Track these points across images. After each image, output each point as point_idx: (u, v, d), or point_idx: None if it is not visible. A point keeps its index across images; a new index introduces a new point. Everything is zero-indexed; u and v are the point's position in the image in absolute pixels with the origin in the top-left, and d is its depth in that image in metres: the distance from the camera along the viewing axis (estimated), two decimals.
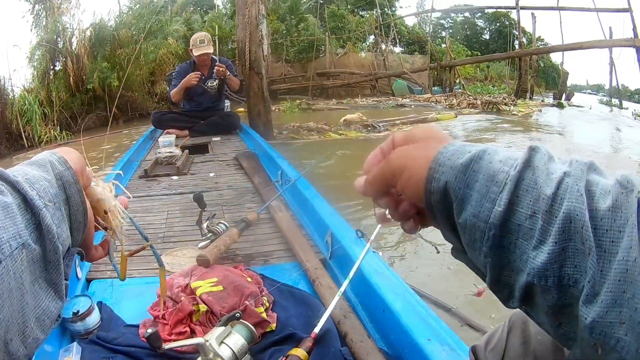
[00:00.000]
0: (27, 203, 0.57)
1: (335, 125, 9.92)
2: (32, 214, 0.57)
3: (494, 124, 11.96)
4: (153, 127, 7.08)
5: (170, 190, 4.04)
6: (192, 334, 1.83)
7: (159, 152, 4.97)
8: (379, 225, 2.35)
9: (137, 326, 1.90)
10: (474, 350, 1.07)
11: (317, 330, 1.65)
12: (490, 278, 0.52)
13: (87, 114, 14.26)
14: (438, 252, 1.20)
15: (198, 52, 6.38)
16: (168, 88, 7.20)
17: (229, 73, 6.54)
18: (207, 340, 1.52)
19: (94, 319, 1.86)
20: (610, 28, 28.01)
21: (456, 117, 12.89)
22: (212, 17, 24.59)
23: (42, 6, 14.52)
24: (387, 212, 0.68)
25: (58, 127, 12.28)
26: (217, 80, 6.65)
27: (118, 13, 17.05)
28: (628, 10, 19.34)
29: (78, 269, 2.27)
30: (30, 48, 14.13)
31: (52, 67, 14.30)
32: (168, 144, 5.32)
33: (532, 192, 0.48)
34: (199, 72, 6.44)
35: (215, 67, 6.46)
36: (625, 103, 34.32)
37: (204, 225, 2.66)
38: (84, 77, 14.08)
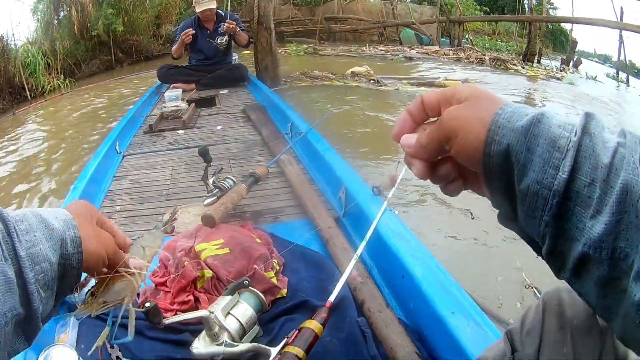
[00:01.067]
0: (23, 283, 0.62)
1: (341, 76, 9.70)
2: (25, 294, 0.62)
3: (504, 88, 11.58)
4: (159, 82, 6.93)
5: (175, 144, 3.92)
6: (196, 302, 1.71)
7: (165, 107, 4.83)
8: (397, 183, 2.21)
9: (137, 295, 1.78)
10: (509, 334, 1.00)
11: (332, 298, 1.48)
12: (548, 247, 0.50)
13: (91, 59, 14.25)
14: (473, 218, 1.07)
15: (200, 9, 6.22)
16: (173, 38, 7.01)
17: (238, 29, 6.38)
18: (212, 312, 1.39)
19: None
20: (621, 8, 27.55)
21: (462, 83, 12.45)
22: None
23: None
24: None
25: (62, 76, 12.21)
26: (226, 36, 6.49)
27: None
28: None
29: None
30: (34, 1, 13.97)
31: (56, 17, 14.16)
32: (174, 98, 5.19)
33: (590, 159, 0.46)
34: (191, 30, 6.25)
35: (225, 24, 6.31)
36: (632, 80, 34.16)
37: (210, 181, 2.51)
38: (88, 24, 13.99)
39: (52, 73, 12.15)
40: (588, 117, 0.49)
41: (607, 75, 33.95)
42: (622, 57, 32.79)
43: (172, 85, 6.33)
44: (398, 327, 1.50)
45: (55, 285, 0.68)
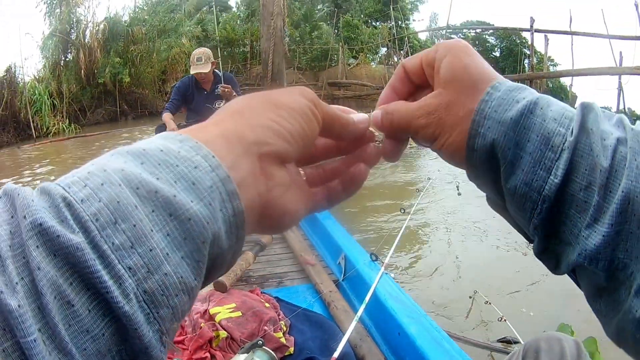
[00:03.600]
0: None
1: None
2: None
3: None
4: None
5: None
6: (212, 359, 1.87)
7: None
8: (392, 249, 2.41)
9: None
10: None
11: (336, 355, 1.68)
12: (538, 248, 0.46)
13: (97, 107, 14.37)
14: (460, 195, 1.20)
15: (193, 71, 6.33)
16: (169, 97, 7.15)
17: (234, 93, 6.54)
18: None
19: None
20: (620, 53, 27.73)
21: None
22: (227, 19, 24.74)
23: None
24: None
25: (67, 120, 12.38)
26: (223, 101, 6.66)
27: (133, 9, 17.16)
28: (639, 38, 19.28)
29: None
30: (43, 37, 14.17)
31: (63, 57, 14.38)
32: None
33: (587, 160, 0.43)
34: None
35: (221, 88, 6.47)
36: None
37: None
38: (95, 70, 14.15)
39: (58, 115, 12.33)
40: (585, 109, 0.46)
41: None
42: (621, 106, 32.83)
43: None
44: None
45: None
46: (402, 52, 28.11)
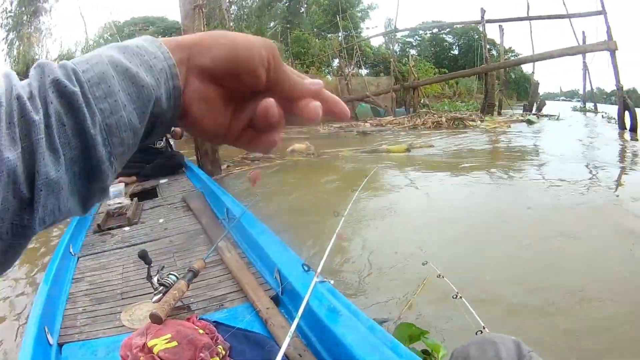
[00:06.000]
0: (91, 160, 0.43)
1: (283, 155, 10.15)
2: (96, 171, 0.44)
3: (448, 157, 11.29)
4: None
5: (123, 243, 4.02)
6: None
7: (109, 204, 4.96)
8: (325, 256, 2.40)
9: None
10: None
11: None
12: None
13: None
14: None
15: None
16: None
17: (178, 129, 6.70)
18: None
19: None
20: (583, 32, 27.41)
21: (409, 150, 12.03)
22: None
23: (15, 35, 14.42)
24: None
25: None
26: (164, 140, 6.82)
27: (84, 44, 16.98)
28: (602, 12, 19.13)
29: (48, 335, 2.28)
30: None
31: None
32: (117, 193, 5.32)
33: None
34: None
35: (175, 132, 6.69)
36: (601, 106, 35.07)
37: (155, 280, 2.62)
38: None
39: None
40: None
41: (574, 109, 35.23)
42: (588, 87, 33.50)
43: (116, 180, 6.43)
44: None
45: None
46: (353, 61, 28.44)
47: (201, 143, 7.84)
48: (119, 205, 4.93)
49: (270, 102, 0.49)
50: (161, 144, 6.88)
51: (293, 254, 2.77)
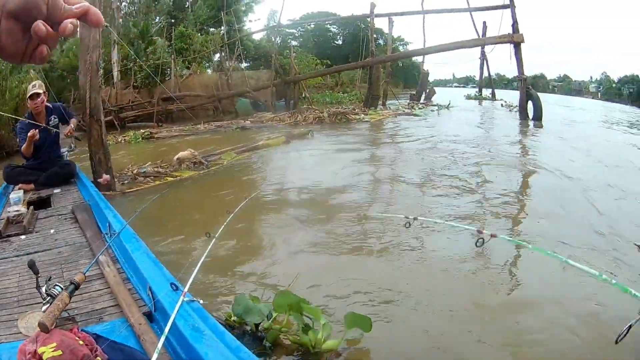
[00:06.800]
0: None
1: (170, 165, 10.29)
2: None
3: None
4: (5, 183, 6.99)
5: (20, 251, 4.14)
6: None
7: (9, 211, 5.06)
8: (193, 275, 2.79)
9: None
10: None
11: None
12: None
13: None
14: None
15: (29, 93, 6.61)
16: (18, 140, 7.24)
17: (72, 127, 6.91)
18: None
19: None
20: (484, 23, 28.07)
21: (288, 142, 13.39)
22: (69, 46, 23.57)
23: None
24: None
25: None
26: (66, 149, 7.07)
27: None
28: (509, 6, 19.20)
29: None
30: None
31: None
32: (17, 200, 5.41)
33: None
34: (36, 130, 6.52)
35: (67, 133, 6.94)
36: (500, 92, 34.38)
37: (43, 290, 2.79)
38: None
39: None
40: None
41: (468, 96, 35.01)
42: (486, 74, 33.42)
43: (17, 186, 6.51)
44: None
45: None
46: (234, 56, 28.21)
47: (95, 150, 7.89)
48: (18, 212, 5.02)
49: (37, 23, 0.65)
50: (64, 150, 7.05)
51: (165, 271, 3.01)
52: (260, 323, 3.30)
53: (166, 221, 6.62)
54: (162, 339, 2.21)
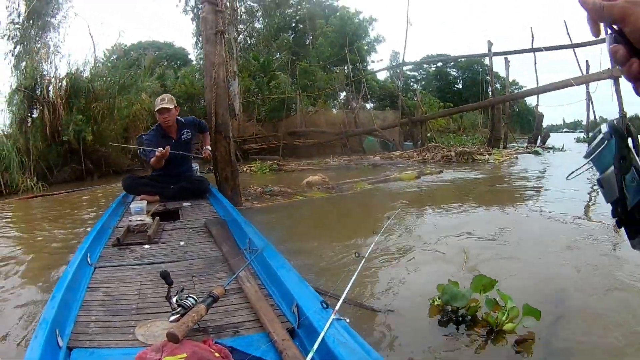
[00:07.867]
0: None
1: (299, 188, 10.23)
2: None
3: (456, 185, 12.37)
4: (124, 193, 7.13)
5: (142, 260, 4.07)
6: None
7: (131, 220, 5.04)
8: (344, 294, 2.53)
9: None
10: None
11: None
12: None
13: (63, 166, 14.32)
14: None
15: (157, 108, 6.65)
16: (139, 151, 7.34)
17: (209, 151, 7.26)
18: None
19: None
20: (587, 61, 27.42)
21: (419, 177, 12.94)
22: (185, 74, 24.79)
23: (23, 48, 14.58)
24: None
25: (35, 178, 12.34)
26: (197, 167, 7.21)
27: (93, 64, 17.06)
28: (605, 40, 18.91)
29: (59, 338, 2.33)
30: (9, 92, 14.24)
31: (29, 114, 14.34)
32: (139, 210, 5.41)
33: None
34: (167, 147, 6.47)
35: (206, 155, 7.19)
36: None
37: (173, 300, 2.74)
38: (59, 128, 14.09)
39: (26, 173, 12.31)
40: None
41: (577, 140, 34.95)
42: (592, 117, 33.12)
43: (138, 197, 6.56)
44: None
45: None
46: (360, 95, 28.56)
47: (222, 167, 7.91)
48: (141, 222, 5.01)
49: None
50: (195, 167, 7.07)
51: (312, 290, 2.85)
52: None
53: (303, 238, 6.41)
54: (311, 354, 2.04)
